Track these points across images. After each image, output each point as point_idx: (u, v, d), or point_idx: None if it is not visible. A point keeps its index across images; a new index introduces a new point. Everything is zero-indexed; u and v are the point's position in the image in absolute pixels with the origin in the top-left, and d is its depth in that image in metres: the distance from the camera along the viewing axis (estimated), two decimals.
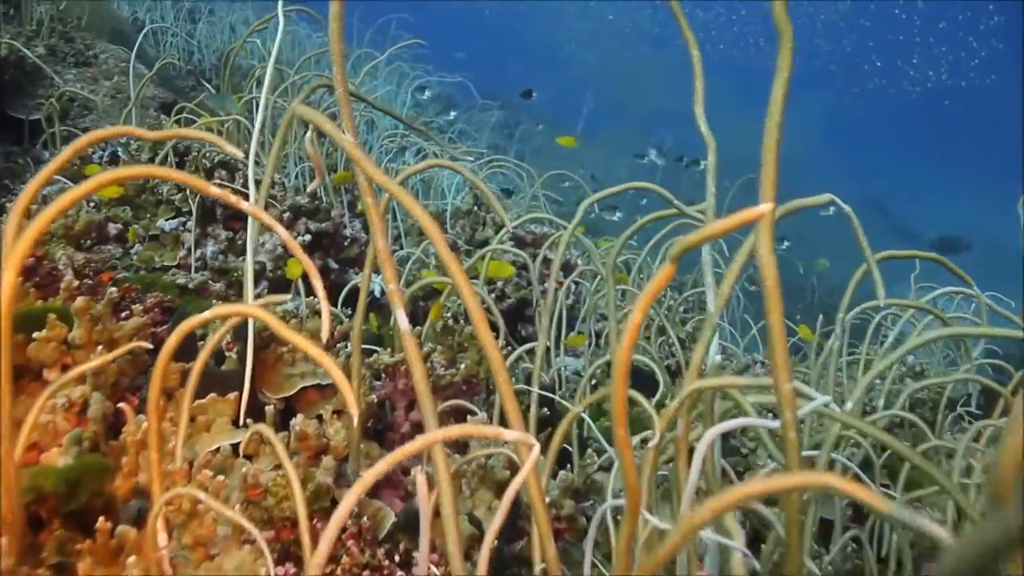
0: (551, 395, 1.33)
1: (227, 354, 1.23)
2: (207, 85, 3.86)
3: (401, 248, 2.75)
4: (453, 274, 0.81)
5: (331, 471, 1.05)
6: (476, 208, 2.71)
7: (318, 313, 1.91)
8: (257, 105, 3.16)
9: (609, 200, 5.22)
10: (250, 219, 1.13)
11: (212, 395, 1.14)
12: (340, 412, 1.27)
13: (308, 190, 1.40)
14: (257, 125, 1.15)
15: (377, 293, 2.27)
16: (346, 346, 1.47)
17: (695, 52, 1.14)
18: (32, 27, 3.84)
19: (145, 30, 3.26)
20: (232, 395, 1.14)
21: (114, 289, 1.06)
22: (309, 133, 1.04)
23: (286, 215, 2.18)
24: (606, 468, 1.74)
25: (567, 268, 2.69)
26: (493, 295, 2.46)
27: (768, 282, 0.75)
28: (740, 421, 0.81)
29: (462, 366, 1.41)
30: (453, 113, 5.61)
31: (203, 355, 0.92)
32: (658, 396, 1.57)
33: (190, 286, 1.96)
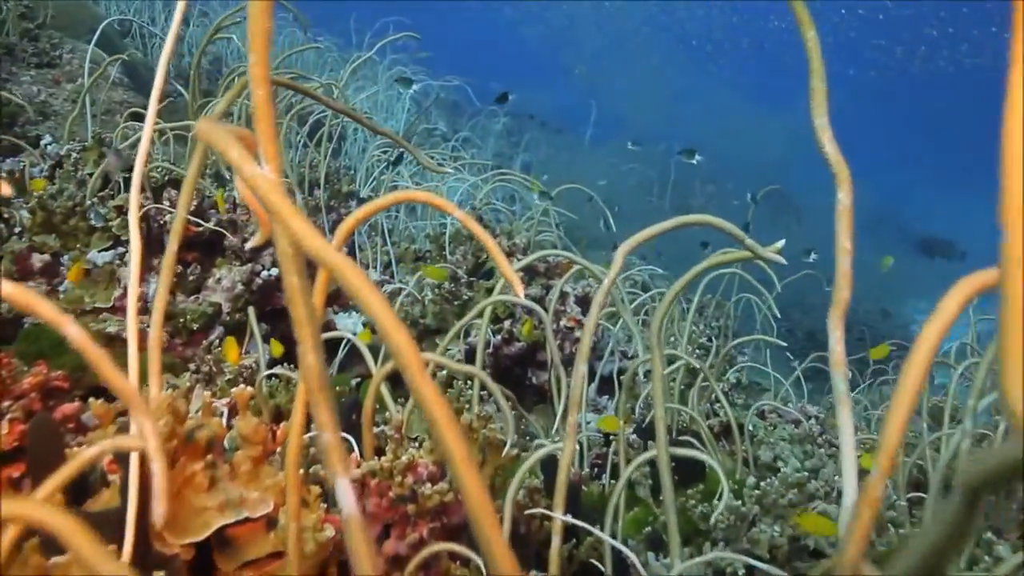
0: (574, 520, 0.94)
1: (111, 478, 0.84)
2: (182, 89, 3.49)
3: (392, 278, 2.37)
4: (425, 405, 0.43)
5: None
6: None
7: (284, 380, 1.52)
8: (232, 110, 2.79)
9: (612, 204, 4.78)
10: (130, 297, 0.75)
11: None
12: (279, 554, 0.88)
13: (248, 246, 1.01)
14: (144, 147, 0.77)
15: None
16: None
17: (810, 33, 0.76)
18: None
19: (104, 23, 2.89)
20: (111, 548, 0.75)
21: None
22: (237, 179, 0.66)
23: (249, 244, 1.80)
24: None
25: (585, 301, 2.31)
26: (499, 336, 2.08)
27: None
28: None
29: None
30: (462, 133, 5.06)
31: (50, 486, 0.55)
32: (724, 501, 1.18)
33: (124, 335, 1.58)
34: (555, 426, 1.52)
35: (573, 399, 0.91)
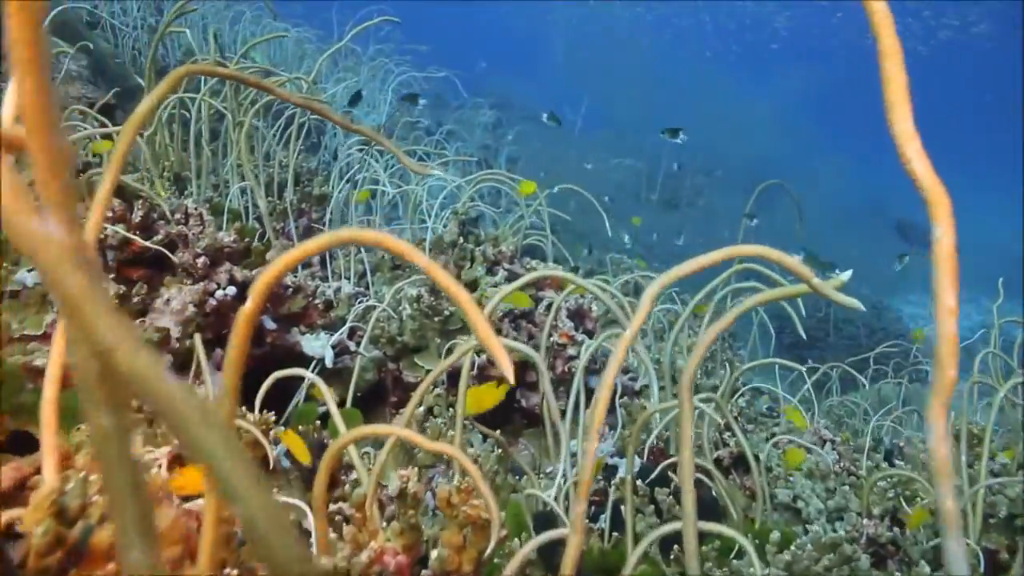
0: None
1: None
2: (141, 82, 3.27)
3: (367, 289, 2.17)
4: None
5: None
6: (463, 239, 2.13)
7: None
8: (190, 105, 2.58)
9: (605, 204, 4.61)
10: None
11: None
12: None
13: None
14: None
15: (328, 362, 1.68)
16: None
17: (878, 5, 0.57)
18: None
19: (54, 12, 2.66)
20: None
21: None
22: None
23: (201, 260, 1.59)
24: None
25: (579, 315, 2.12)
26: (485, 356, 1.89)
27: None
28: None
29: (433, 556, 0.84)
30: (422, 102, 4.54)
31: None
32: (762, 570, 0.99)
33: None
34: (557, 478, 1.33)
35: (583, 483, 0.72)
